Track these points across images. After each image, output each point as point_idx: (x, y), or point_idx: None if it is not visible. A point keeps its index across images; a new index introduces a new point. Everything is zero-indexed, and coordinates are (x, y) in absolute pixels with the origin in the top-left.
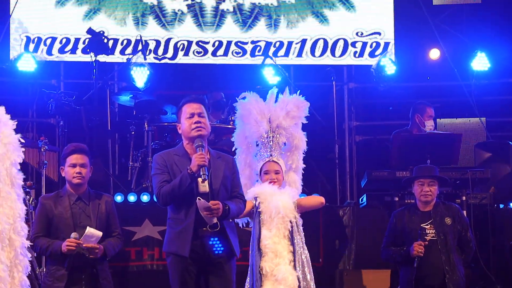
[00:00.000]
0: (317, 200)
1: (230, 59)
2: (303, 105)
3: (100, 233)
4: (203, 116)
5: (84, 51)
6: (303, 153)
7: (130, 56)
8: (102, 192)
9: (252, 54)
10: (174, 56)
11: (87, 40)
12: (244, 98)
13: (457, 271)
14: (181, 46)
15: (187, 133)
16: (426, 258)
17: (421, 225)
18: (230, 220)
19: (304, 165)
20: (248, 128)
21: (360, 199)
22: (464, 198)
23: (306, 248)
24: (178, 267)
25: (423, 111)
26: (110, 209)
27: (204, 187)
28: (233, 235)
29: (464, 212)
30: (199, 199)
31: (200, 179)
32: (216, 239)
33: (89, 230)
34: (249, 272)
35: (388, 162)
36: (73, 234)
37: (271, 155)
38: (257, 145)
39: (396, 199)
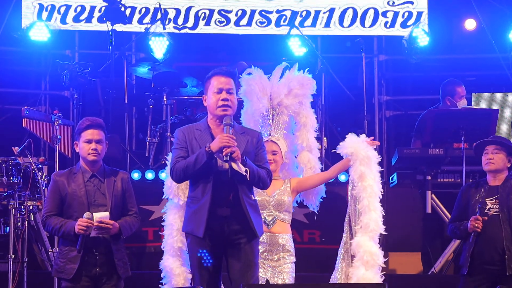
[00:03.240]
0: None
1: (254, 29)
2: (308, 83)
3: (107, 213)
4: (231, 92)
5: (100, 19)
6: (316, 131)
7: (149, 25)
8: (118, 169)
9: (277, 24)
10: (195, 25)
11: (103, 8)
12: (249, 74)
13: None
14: (202, 15)
15: (212, 109)
16: (487, 235)
17: (487, 199)
18: (253, 198)
19: (319, 145)
20: (250, 105)
21: (390, 178)
22: None
23: None
24: (196, 249)
25: (453, 92)
26: (126, 186)
27: (223, 164)
28: (255, 214)
29: None
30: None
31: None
32: (234, 218)
33: (96, 216)
34: None
35: (420, 138)
36: (86, 214)
37: (270, 135)
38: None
39: (429, 178)
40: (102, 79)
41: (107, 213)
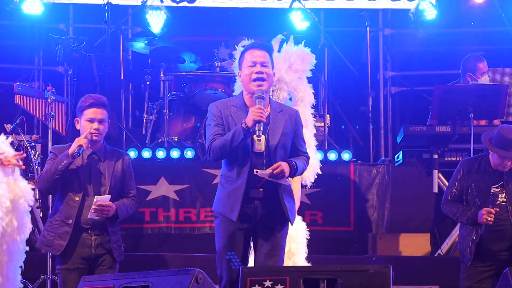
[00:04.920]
0: None
1: (255, 2)
2: (308, 57)
3: (108, 196)
4: (266, 65)
5: None
6: (313, 107)
7: None
8: (120, 150)
9: None
10: None
11: None
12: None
13: None
14: None
15: (247, 84)
16: (493, 222)
17: (492, 187)
18: (287, 182)
19: (315, 119)
20: None
21: (395, 157)
22: None
23: None
24: (226, 230)
25: (474, 68)
26: (127, 168)
27: (259, 145)
28: (289, 199)
29: None
30: (256, 171)
31: (255, 136)
32: (267, 202)
33: (97, 198)
34: None
35: (427, 115)
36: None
37: None
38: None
39: (436, 156)
40: (97, 54)
41: (108, 196)
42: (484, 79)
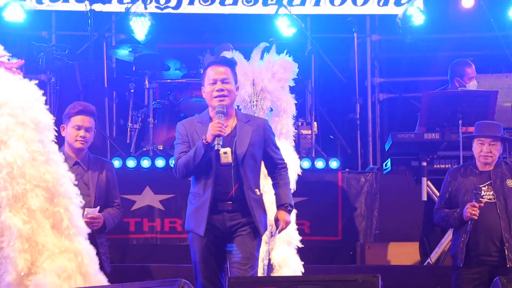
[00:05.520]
0: None
1: (240, 8)
2: (290, 66)
3: (96, 209)
4: (227, 81)
5: None
6: (294, 118)
7: (129, 5)
8: (103, 158)
9: (265, 3)
10: (178, 5)
11: None
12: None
13: None
14: None
15: (209, 101)
16: (482, 223)
17: (480, 186)
18: (258, 193)
19: (295, 131)
20: None
21: (384, 164)
22: None
23: None
24: (198, 245)
25: (462, 73)
26: (111, 177)
27: (226, 158)
28: (259, 210)
29: None
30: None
31: (222, 150)
32: (237, 214)
33: (87, 211)
34: None
35: (416, 122)
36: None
37: None
38: (239, 110)
39: (424, 164)
40: (80, 62)
41: (97, 208)
42: (472, 84)
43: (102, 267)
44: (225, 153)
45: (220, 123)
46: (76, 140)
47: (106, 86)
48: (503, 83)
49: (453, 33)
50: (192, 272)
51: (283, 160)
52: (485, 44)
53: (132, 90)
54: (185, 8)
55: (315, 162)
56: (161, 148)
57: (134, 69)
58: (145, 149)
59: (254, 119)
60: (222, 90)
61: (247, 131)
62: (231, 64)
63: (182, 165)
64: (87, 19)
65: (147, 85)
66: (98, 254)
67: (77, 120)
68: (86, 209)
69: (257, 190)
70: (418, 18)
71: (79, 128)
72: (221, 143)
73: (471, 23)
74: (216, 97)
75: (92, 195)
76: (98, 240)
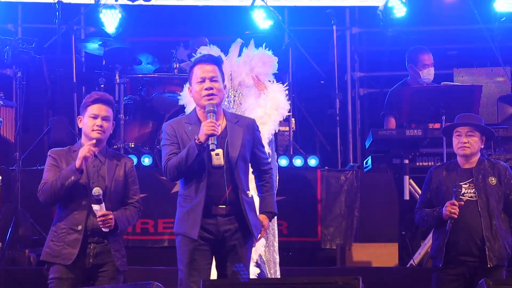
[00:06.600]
0: None
1: (215, 0)
2: (270, 60)
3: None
4: (216, 80)
5: None
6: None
7: None
8: (122, 154)
9: None
10: None
11: None
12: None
13: (500, 239)
14: None
15: (198, 100)
16: (463, 222)
17: (461, 183)
18: (249, 195)
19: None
20: None
21: (364, 162)
22: None
23: None
24: (187, 249)
25: (416, 60)
26: (130, 173)
27: (218, 159)
28: (253, 214)
29: None
30: None
31: (213, 152)
32: (231, 217)
33: (94, 207)
34: None
35: (393, 115)
36: (96, 190)
37: None
38: None
39: (406, 161)
40: (48, 56)
41: (102, 205)
42: (427, 72)
43: (113, 264)
44: (217, 154)
45: (213, 122)
46: (93, 130)
47: (75, 81)
48: (488, 77)
49: (436, 25)
50: (165, 275)
51: (268, 161)
52: (469, 37)
53: (102, 85)
54: (158, 0)
55: (293, 160)
56: (132, 145)
57: (104, 63)
58: (116, 146)
59: (242, 119)
60: (211, 88)
61: (238, 132)
62: (218, 62)
63: (173, 167)
64: (55, 11)
65: (118, 80)
66: (109, 251)
67: (94, 109)
68: (92, 205)
69: (248, 192)
70: (399, 10)
71: (95, 117)
72: (215, 142)
73: (455, 15)
74: (205, 96)
75: (108, 189)
76: (110, 238)
